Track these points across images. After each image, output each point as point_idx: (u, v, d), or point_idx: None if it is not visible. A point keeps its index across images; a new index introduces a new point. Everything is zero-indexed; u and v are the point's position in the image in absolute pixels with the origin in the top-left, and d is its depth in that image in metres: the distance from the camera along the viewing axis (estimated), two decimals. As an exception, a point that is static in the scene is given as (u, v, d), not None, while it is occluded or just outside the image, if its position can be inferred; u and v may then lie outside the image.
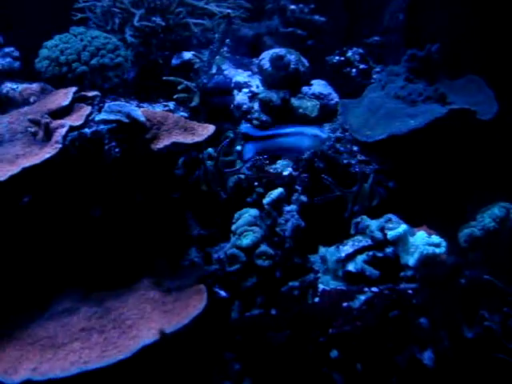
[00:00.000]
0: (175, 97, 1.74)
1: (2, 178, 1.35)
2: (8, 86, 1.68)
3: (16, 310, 1.48)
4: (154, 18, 1.80)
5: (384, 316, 1.36)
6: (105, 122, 1.40)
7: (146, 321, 1.37)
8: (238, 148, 1.76)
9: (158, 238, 1.65)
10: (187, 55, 1.88)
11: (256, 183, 1.75)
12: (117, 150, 1.44)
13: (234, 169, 1.70)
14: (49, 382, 1.32)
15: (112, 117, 1.38)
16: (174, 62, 1.89)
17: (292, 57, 1.85)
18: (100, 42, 1.68)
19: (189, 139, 1.40)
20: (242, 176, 1.72)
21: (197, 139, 1.41)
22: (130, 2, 1.83)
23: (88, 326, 1.39)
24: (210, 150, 1.72)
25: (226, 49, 1.75)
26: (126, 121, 1.38)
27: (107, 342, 1.34)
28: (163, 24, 1.79)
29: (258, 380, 1.53)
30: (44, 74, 1.70)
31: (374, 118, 1.72)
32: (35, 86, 1.69)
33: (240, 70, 1.92)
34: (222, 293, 1.59)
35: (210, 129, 1.45)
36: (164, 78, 1.75)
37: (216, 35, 1.74)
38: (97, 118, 1.41)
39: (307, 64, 1.90)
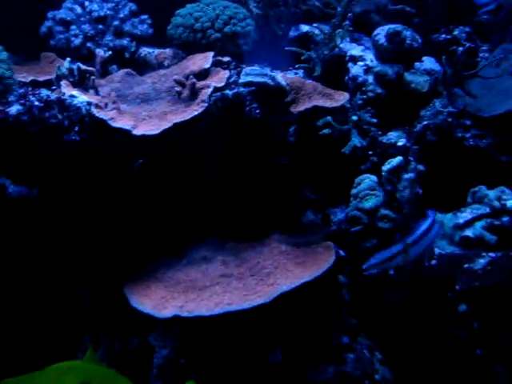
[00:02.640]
0: (297, 66, 1.83)
1: (156, 132, 1.47)
2: (145, 50, 1.80)
3: (156, 256, 1.61)
4: (277, -9, 1.89)
5: (508, 276, 1.44)
6: (250, 84, 1.50)
7: (282, 270, 1.48)
8: (354, 118, 1.84)
9: (278, 198, 1.75)
10: (305, 28, 1.97)
11: (370, 152, 1.84)
12: (257, 111, 1.53)
13: None
14: (194, 319, 1.45)
15: (259, 79, 1.48)
16: (292, 33, 1.98)
17: (408, 33, 1.92)
18: (231, 11, 1.78)
19: (328, 103, 1.50)
20: (358, 144, 1.81)
21: (335, 104, 1.51)
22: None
23: (227, 273, 1.51)
24: (328, 118, 1.81)
25: (348, 23, 1.84)
26: (272, 84, 1.48)
27: (246, 287, 1.45)
28: (286, -3, 1.89)
29: (373, 335, 1.63)
30: (176, 40, 1.81)
31: (489, 94, 1.78)
32: (168, 51, 1.81)
33: (354, 44, 1.99)
34: (341, 252, 1.69)
35: (346, 95, 1.55)
36: (287, 47, 1.85)
37: (338, 9, 1.82)
38: (242, 80, 1.51)
39: (420, 40, 1.96)
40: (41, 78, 1.86)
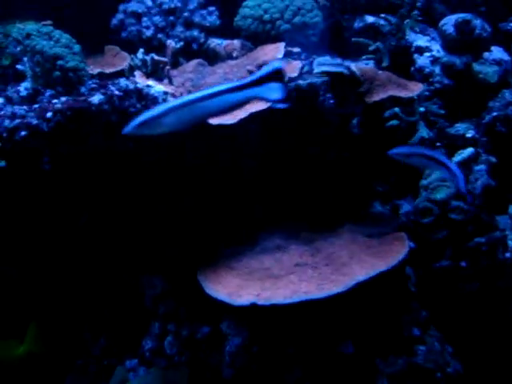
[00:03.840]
0: (364, 57, 1.83)
1: (233, 121, 1.48)
2: (214, 41, 1.82)
3: (228, 244, 1.63)
4: (343, -18, 1.89)
5: None
6: (325, 73, 1.51)
7: (357, 260, 1.47)
8: (421, 109, 1.83)
9: (348, 189, 1.75)
10: (370, 19, 1.96)
11: (438, 143, 1.82)
12: (331, 101, 1.54)
13: None
14: (268, 307, 1.45)
15: (333, 69, 1.48)
16: (357, 24, 1.97)
17: (478, 22, 1.90)
18: (300, 1, 1.78)
19: (403, 93, 1.49)
20: (426, 135, 1.80)
21: (410, 94, 1.50)
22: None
23: (301, 262, 1.51)
24: (396, 109, 1.80)
25: (416, 12, 1.82)
26: (347, 73, 1.48)
27: (322, 276, 1.45)
28: (351, -12, 1.88)
29: (444, 327, 1.62)
30: (244, 32, 1.82)
31: None
32: (236, 42, 1.82)
33: (419, 35, 1.98)
34: (411, 244, 1.67)
35: (420, 86, 1.54)
36: (354, 39, 1.85)
37: (406, -1, 1.81)
38: (317, 70, 1.52)
39: (489, 29, 1.94)
40: (107, 71, 1.88)
